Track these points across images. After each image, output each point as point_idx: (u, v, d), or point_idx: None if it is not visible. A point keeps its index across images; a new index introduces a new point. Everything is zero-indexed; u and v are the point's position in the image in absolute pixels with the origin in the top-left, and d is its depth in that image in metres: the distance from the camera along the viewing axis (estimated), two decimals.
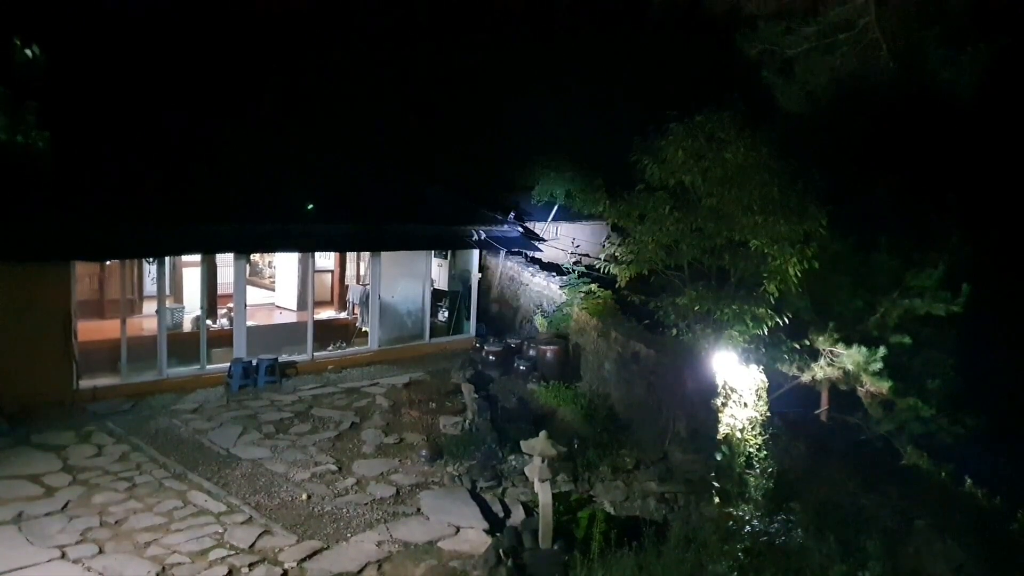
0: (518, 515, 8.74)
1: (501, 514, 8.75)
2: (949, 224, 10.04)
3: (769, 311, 9.63)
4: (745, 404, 9.78)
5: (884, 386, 9.43)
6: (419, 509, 8.69)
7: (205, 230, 12.43)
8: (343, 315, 16.39)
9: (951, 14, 8.67)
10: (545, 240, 17.83)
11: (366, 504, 8.69)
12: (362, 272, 17.05)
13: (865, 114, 11.03)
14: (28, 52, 5.98)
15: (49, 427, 10.02)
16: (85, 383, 11.27)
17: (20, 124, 6.49)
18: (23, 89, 6.47)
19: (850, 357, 9.54)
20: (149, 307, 14.06)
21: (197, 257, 13.07)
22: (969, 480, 9.01)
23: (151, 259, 13.15)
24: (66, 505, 8.03)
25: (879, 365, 9.34)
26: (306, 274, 14.77)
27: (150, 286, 14.62)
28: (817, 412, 10.84)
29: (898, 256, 10.01)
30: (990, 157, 12.44)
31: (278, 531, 7.86)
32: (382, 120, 19.87)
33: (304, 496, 8.70)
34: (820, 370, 9.97)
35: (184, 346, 12.47)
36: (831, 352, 9.88)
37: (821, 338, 9.93)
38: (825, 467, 9.28)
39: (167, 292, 12.91)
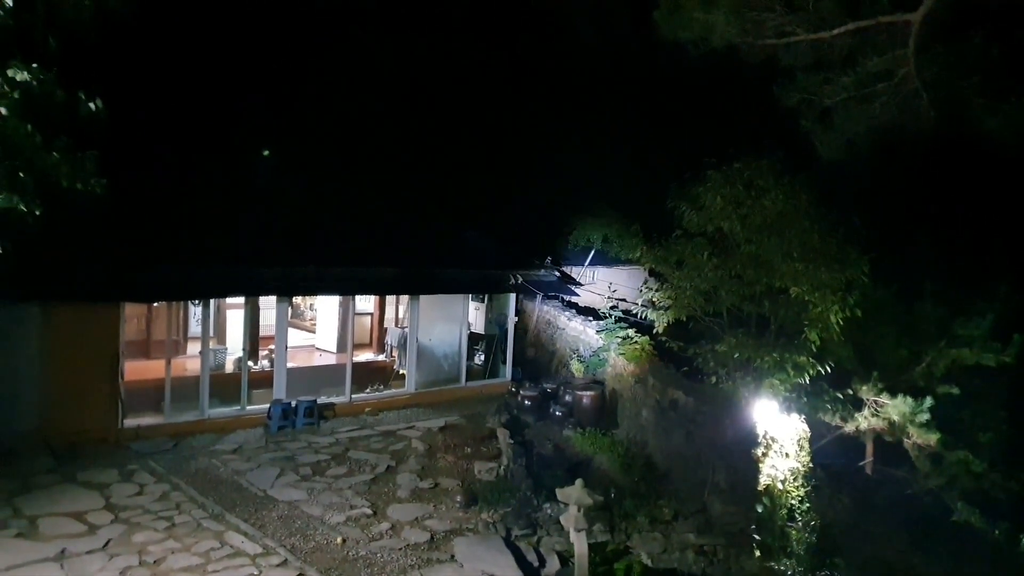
0: (553, 565, 8.62)
1: (536, 563, 8.64)
2: (998, 273, 9.82)
3: (811, 359, 9.48)
4: (787, 454, 9.56)
5: (932, 438, 9.14)
6: (453, 556, 8.63)
7: (249, 273, 12.77)
8: (381, 357, 16.52)
9: (994, 63, 8.61)
10: (582, 284, 17.83)
11: (400, 549, 8.66)
12: (401, 315, 17.23)
13: (906, 162, 10.95)
14: (91, 106, 6.29)
15: (94, 465, 10.24)
16: (130, 422, 11.53)
17: (80, 172, 6.77)
18: (85, 139, 6.79)
19: (895, 407, 9.29)
20: (193, 348, 14.39)
21: (241, 299, 13.41)
22: None
23: (197, 301, 13.52)
24: (107, 543, 8.15)
25: (926, 416, 9.08)
26: (346, 317, 15.01)
27: (195, 327, 14.96)
28: (861, 464, 10.53)
29: (944, 305, 9.80)
30: None
31: (312, 575, 7.85)
32: (422, 165, 20.34)
33: (339, 540, 8.71)
34: (864, 420, 9.73)
35: (225, 387, 12.71)
36: (875, 402, 9.64)
37: (865, 387, 9.71)
38: (871, 522, 9.00)
39: (211, 333, 13.21)
